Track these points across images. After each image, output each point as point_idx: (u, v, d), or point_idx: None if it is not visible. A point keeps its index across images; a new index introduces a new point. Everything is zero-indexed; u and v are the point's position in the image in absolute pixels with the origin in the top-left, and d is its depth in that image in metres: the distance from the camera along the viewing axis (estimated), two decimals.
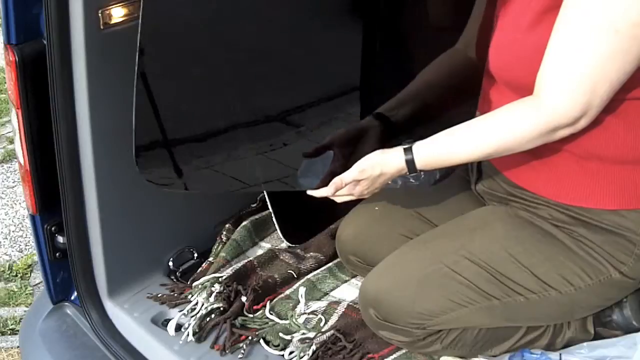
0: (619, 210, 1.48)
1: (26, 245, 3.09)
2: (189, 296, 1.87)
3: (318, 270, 1.97)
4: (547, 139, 1.38)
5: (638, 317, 1.64)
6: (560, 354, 1.58)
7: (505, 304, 1.54)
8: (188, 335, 1.75)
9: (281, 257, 2.01)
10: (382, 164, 1.50)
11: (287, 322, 1.80)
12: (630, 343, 1.57)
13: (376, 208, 1.83)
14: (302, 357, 1.68)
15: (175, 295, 1.90)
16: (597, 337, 1.66)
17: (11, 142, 3.75)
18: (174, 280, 1.98)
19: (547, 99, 1.34)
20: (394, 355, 1.68)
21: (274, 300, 1.88)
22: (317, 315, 1.81)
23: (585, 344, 1.61)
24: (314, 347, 1.69)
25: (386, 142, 1.58)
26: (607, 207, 1.49)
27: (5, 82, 2.24)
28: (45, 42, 1.58)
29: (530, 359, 1.56)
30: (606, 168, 1.46)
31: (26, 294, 2.83)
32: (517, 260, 1.53)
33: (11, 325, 2.68)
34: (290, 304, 1.85)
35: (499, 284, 1.54)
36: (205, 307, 1.81)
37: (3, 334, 2.67)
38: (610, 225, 1.49)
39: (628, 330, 1.64)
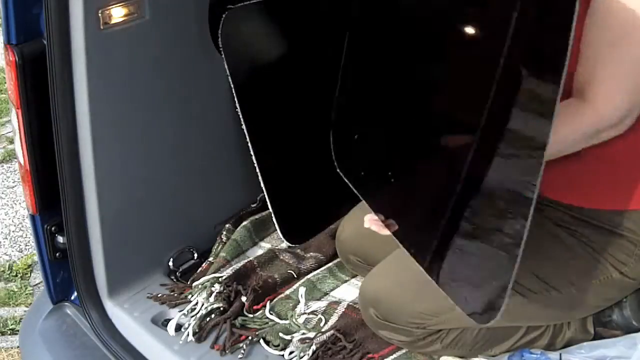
0: (620, 211, 1.49)
1: (26, 245, 3.09)
2: (189, 296, 1.87)
3: (318, 270, 1.98)
4: (592, 141, 1.38)
5: (638, 317, 1.64)
6: (560, 354, 1.58)
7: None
8: (188, 335, 1.75)
9: (281, 257, 2.01)
10: None
11: (287, 322, 1.80)
12: (630, 343, 1.57)
13: None
14: (302, 357, 1.68)
15: (175, 295, 1.90)
16: (597, 337, 1.66)
17: (11, 142, 3.75)
18: (174, 280, 1.98)
19: (593, 101, 1.33)
20: (394, 355, 1.68)
21: (274, 300, 1.88)
22: (317, 315, 1.81)
23: (585, 343, 1.61)
24: (314, 347, 1.70)
25: None
26: (608, 207, 1.49)
27: (5, 82, 2.24)
28: (45, 42, 1.58)
29: (529, 358, 1.56)
30: (608, 168, 1.46)
31: (26, 294, 2.83)
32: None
33: (11, 325, 2.68)
34: (290, 304, 1.85)
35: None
36: (205, 307, 1.81)
37: (3, 334, 2.66)
38: (612, 225, 1.49)
39: (628, 330, 1.65)
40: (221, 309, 1.81)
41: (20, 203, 3.35)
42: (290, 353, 1.71)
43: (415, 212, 1.50)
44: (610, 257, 1.51)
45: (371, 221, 1.59)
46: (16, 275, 2.92)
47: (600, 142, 1.38)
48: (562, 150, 1.39)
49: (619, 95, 1.32)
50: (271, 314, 1.83)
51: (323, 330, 1.75)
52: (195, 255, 2.06)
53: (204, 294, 1.84)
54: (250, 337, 1.75)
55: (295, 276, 1.95)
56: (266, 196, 1.99)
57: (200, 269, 2.00)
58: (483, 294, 1.26)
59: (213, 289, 1.85)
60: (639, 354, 1.54)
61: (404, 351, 1.68)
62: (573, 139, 1.37)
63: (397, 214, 1.53)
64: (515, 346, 1.62)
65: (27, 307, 2.73)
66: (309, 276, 1.95)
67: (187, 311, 1.82)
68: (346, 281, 1.96)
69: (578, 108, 1.35)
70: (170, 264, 2.01)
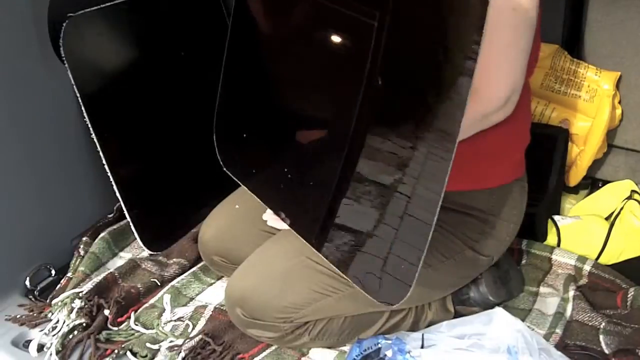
0: (463, 191, 1.55)
1: None
2: (50, 314, 1.81)
3: (182, 276, 1.96)
4: (482, 126, 1.44)
5: (493, 292, 1.72)
6: (422, 335, 1.62)
7: None
8: (51, 354, 1.69)
9: (143, 266, 1.98)
10: None
11: (154, 331, 1.77)
12: (487, 320, 1.64)
13: (236, 207, 1.83)
14: None
15: (35, 314, 1.83)
16: (457, 315, 1.72)
17: None
18: (32, 299, 1.92)
19: (475, 88, 1.37)
20: (264, 353, 1.69)
21: (139, 310, 1.84)
22: (184, 321, 1.79)
23: (444, 322, 1.66)
24: (182, 354, 1.67)
25: None
26: (454, 188, 1.55)
27: None
28: None
29: (385, 345, 1.59)
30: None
31: None
32: None
33: None
34: (156, 313, 1.82)
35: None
36: (67, 324, 1.76)
37: None
38: (458, 205, 1.55)
39: (485, 306, 1.72)
40: (84, 324, 1.76)
41: None
42: None
43: (309, 204, 1.52)
44: (462, 236, 1.57)
45: (269, 216, 1.60)
46: None
47: (489, 126, 1.44)
48: None
49: (495, 79, 1.38)
50: (136, 324, 1.79)
51: (191, 335, 1.73)
52: (53, 271, 2.00)
53: (65, 311, 1.79)
54: (116, 351, 1.71)
55: (159, 284, 1.93)
56: (122, 206, 1.95)
57: (59, 285, 1.93)
58: (391, 275, 1.29)
59: (74, 305, 1.80)
60: (493, 329, 1.61)
61: (273, 348, 1.69)
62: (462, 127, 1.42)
63: (291, 208, 1.56)
64: (381, 331, 1.66)
65: None
66: (173, 283, 1.93)
67: (49, 330, 1.76)
68: (212, 284, 1.94)
69: None
70: (27, 283, 1.94)
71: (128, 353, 1.72)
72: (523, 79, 1.42)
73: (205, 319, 1.78)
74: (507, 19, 1.34)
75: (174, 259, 2.01)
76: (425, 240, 1.21)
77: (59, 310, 1.80)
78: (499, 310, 1.66)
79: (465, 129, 1.43)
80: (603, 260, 1.89)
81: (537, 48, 1.55)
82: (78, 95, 1.78)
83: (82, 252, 2.02)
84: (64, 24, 1.74)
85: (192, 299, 1.90)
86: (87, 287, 1.87)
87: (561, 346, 1.65)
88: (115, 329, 1.79)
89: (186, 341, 1.71)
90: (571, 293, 1.78)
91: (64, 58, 1.75)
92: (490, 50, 1.35)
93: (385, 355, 1.57)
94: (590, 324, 1.71)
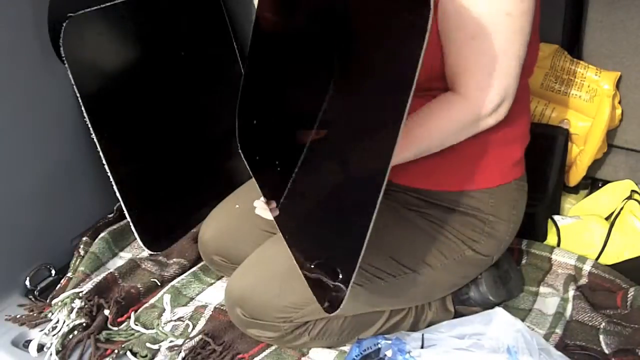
0: (463, 191, 1.55)
1: None
2: (50, 314, 1.81)
3: (182, 276, 1.96)
4: (473, 131, 1.43)
5: (493, 292, 1.71)
6: (422, 335, 1.62)
7: (367, 289, 1.57)
8: (51, 354, 1.69)
9: (143, 266, 1.98)
10: None
11: (154, 331, 1.77)
12: (486, 320, 1.64)
13: (237, 206, 1.83)
14: None
15: (35, 314, 1.84)
16: (458, 315, 1.72)
17: None
18: (32, 299, 1.92)
19: (465, 93, 1.38)
20: (265, 353, 1.69)
21: (139, 310, 1.84)
22: (184, 321, 1.79)
23: (444, 322, 1.67)
24: (182, 354, 1.68)
25: None
26: (450, 188, 1.55)
27: None
28: None
29: (385, 345, 1.59)
30: (452, 154, 1.50)
31: None
32: (375, 246, 1.56)
33: None
34: (156, 313, 1.82)
35: (359, 270, 1.56)
36: (67, 324, 1.76)
37: None
38: (459, 205, 1.55)
39: (485, 305, 1.72)
40: (84, 324, 1.77)
41: None
42: None
43: (291, 199, 1.53)
44: (462, 235, 1.57)
45: (259, 204, 1.59)
46: None
47: (481, 130, 1.44)
48: (444, 143, 1.45)
49: (487, 84, 1.37)
50: (136, 324, 1.79)
51: (191, 335, 1.73)
52: (53, 271, 2.00)
53: (65, 311, 1.79)
54: (116, 351, 1.71)
55: (159, 284, 1.93)
56: (123, 206, 1.95)
57: (59, 285, 1.94)
58: (331, 284, 1.28)
59: (74, 305, 1.80)
60: (493, 329, 1.61)
61: (273, 348, 1.69)
62: (452, 131, 1.42)
63: (278, 200, 1.56)
64: (381, 331, 1.66)
65: None
66: (173, 282, 1.93)
67: (49, 330, 1.76)
68: (212, 284, 1.94)
69: (453, 102, 1.40)
70: (27, 283, 1.95)
71: (128, 353, 1.72)
72: (516, 84, 1.41)
73: (205, 319, 1.78)
74: (501, 24, 1.34)
75: (174, 259, 2.01)
76: (358, 252, 1.19)
77: (59, 310, 1.80)
78: (499, 310, 1.66)
79: (456, 133, 1.43)
80: (603, 260, 1.89)
81: (536, 48, 1.55)
82: (78, 95, 1.78)
83: (82, 252, 2.03)
84: (64, 24, 1.74)
85: (192, 299, 1.90)
86: (87, 287, 1.87)
87: (561, 346, 1.65)
88: (115, 329, 1.79)
89: (186, 341, 1.71)
90: (571, 293, 1.78)
91: (64, 58, 1.75)
92: (483, 55, 1.36)
93: (385, 355, 1.57)
94: (590, 324, 1.71)
